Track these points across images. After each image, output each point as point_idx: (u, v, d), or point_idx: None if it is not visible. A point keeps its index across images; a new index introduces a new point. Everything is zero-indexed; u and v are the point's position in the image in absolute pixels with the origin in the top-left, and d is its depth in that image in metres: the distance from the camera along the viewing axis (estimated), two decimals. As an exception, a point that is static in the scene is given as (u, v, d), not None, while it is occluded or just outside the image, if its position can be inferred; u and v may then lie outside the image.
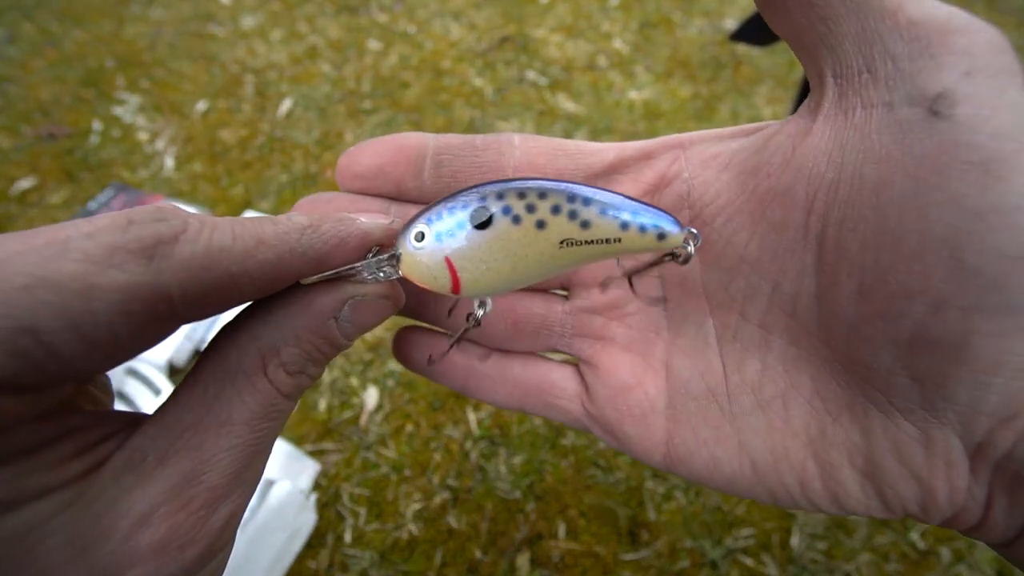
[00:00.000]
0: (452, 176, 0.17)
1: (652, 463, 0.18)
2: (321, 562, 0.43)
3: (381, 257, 0.14)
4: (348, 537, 0.44)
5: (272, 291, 0.14)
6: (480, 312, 0.16)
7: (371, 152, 0.17)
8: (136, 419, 0.13)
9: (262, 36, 1.05)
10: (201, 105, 0.89)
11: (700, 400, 0.17)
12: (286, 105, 0.88)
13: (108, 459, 0.12)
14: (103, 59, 0.99)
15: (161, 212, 0.12)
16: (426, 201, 0.16)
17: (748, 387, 0.17)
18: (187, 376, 0.14)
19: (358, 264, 0.14)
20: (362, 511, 0.46)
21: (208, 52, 1.01)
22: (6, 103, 0.90)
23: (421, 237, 0.14)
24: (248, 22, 1.09)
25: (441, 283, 0.15)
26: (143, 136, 0.83)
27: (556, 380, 0.19)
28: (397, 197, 0.18)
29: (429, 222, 0.14)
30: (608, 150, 0.18)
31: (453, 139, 0.18)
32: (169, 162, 0.79)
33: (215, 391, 0.13)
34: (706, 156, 0.17)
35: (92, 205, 0.71)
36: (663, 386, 0.18)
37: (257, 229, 0.13)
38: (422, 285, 0.15)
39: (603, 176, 0.18)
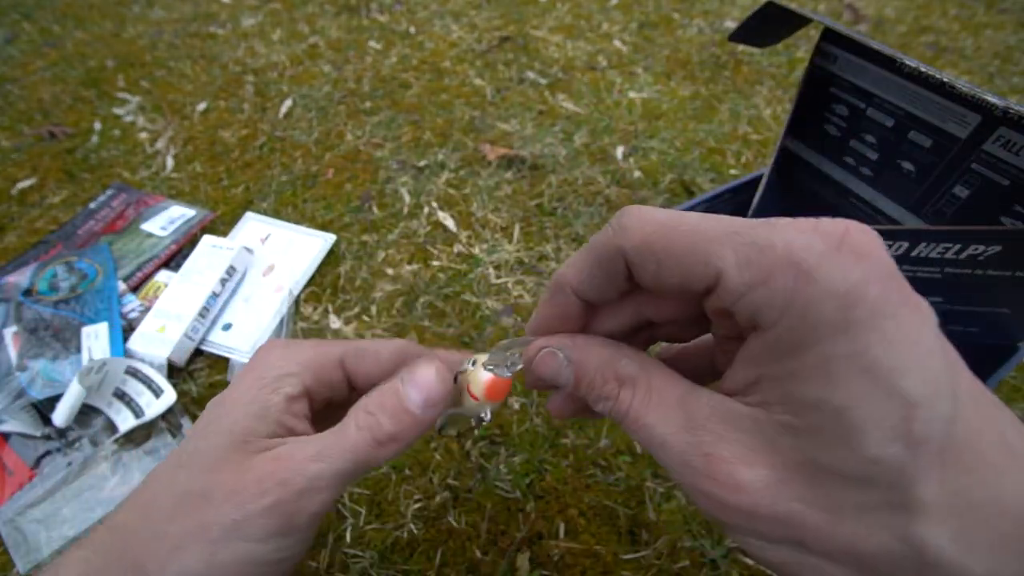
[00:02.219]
0: None
1: None
2: (322, 562, 0.43)
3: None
4: (348, 537, 0.44)
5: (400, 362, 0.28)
6: (487, 417, 0.28)
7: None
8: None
9: (262, 36, 1.05)
10: (201, 105, 0.89)
11: None
12: (286, 105, 0.88)
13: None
14: (103, 59, 0.99)
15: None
16: None
17: None
18: None
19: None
20: (362, 511, 0.46)
21: (208, 52, 1.01)
22: (6, 103, 0.90)
23: (474, 362, 0.27)
24: (248, 22, 1.10)
25: (480, 393, 0.27)
26: (143, 136, 0.83)
27: None
28: None
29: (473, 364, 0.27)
30: None
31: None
32: (170, 162, 0.79)
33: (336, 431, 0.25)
34: None
35: (93, 205, 0.72)
36: None
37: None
38: (471, 390, 0.27)
39: None
